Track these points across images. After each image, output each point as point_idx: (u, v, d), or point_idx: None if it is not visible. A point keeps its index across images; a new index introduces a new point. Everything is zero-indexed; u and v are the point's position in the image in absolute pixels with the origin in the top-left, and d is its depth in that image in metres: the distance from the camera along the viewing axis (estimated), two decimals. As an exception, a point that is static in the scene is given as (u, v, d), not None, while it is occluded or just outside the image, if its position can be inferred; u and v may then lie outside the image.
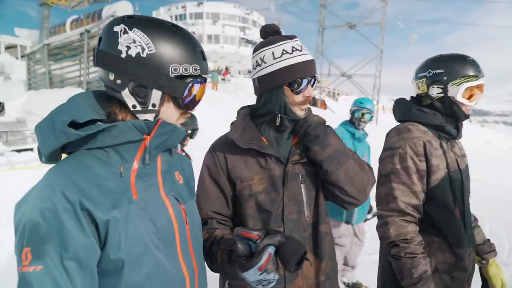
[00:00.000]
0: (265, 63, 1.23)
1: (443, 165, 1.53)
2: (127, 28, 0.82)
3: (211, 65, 36.92)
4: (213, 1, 49.48)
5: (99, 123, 0.83)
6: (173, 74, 0.84)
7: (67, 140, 0.79)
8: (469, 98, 1.55)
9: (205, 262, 1.19)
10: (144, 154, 0.87)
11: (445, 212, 1.51)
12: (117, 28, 0.83)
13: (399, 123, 1.67)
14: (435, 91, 1.58)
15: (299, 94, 1.22)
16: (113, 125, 0.81)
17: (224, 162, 1.28)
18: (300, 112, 1.25)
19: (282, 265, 0.97)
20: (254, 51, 1.28)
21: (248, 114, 1.34)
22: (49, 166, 0.85)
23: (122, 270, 0.79)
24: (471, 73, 1.53)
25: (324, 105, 26.61)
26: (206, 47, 45.85)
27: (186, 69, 0.85)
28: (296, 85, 1.21)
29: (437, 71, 1.58)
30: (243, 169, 1.25)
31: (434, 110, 1.59)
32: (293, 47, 1.22)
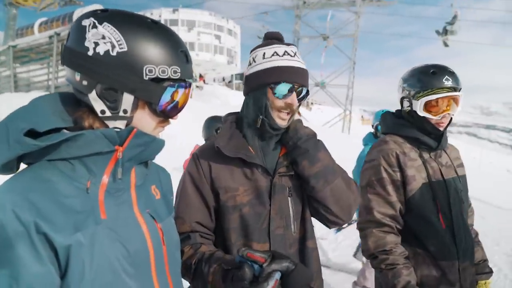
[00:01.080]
0: (255, 62, 1.21)
1: (420, 175, 1.52)
2: (96, 22, 0.71)
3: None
4: (188, 8, 49.30)
5: (64, 131, 0.72)
6: (147, 77, 0.73)
7: (23, 151, 0.68)
8: (431, 111, 1.52)
9: (186, 279, 1.12)
10: (116, 168, 0.76)
11: (426, 223, 1.49)
12: (85, 22, 0.72)
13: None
14: (405, 105, 1.61)
15: (280, 99, 1.17)
16: (79, 133, 0.70)
17: (208, 171, 1.21)
18: (279, 120, 1.18)
19: None
20: (250, 52, 1.26)
21: (235, 121, 1.29)
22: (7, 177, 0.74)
23: None
24: (431, 86, 1.50)
25: (298, 113, 26.85)
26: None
27: (163, 71, 0.74)
28: (277, 88, 1.16)
29: (404, 85, 1.61)
30: (228, 179, 1.19)
31: (413, 122, 1.61)
32: (285, 51, 1.19)
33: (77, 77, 0.73)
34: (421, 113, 1.53)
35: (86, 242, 0.69)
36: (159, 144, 0.82)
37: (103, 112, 0.75)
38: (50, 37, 13.08)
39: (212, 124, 3.12)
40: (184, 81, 0.80)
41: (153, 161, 0.95)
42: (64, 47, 0.74)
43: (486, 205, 7.09)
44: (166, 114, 0.81)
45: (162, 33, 0.76)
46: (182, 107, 0.83)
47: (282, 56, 1.18)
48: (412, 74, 1.60)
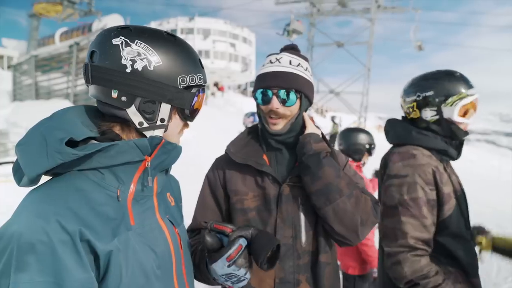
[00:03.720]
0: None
1: (451, 190, 1.42)
2: (128, 41, 0.75)
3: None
4: (204, 17, 50.08)
5: (94, 141, 0.76)
6: (181, 86, 0.80)
7: (63, 160, 0.69)
8: (465, 115, 1.47)
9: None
10: (144, 176, 0.80)
11: (460, 241, 1.40)
12: (116, 41, 0.75)
13: (393, 146, 1.57)
14: (429, 114, 1.48)
15: (263, 105, 1.22)
16: (113, 144, 0.73)
17: (222, 174, 1.28)
18: (270, 126, 1.22)
19: (254, 261, 0.95)
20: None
21: (255, 131, 1.33)
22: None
23: None
24: (462, 89, 1.43)
25: (312, 120, 26.78)
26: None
27: (192, 79, 0.81)
28: (256, 96, 1.22)
29: (427, 93, 1.47)
30: (239, 183, 1.24)
31: (434, 132, 1.48)
32: (277, 58, 1.22)
33: (114, 94, 0.76)
34: (458, 118, 1.44)
35: (122, 248, 0.73)
36: (178, 151, 0.86)
37: (141, 124, 0.79)
38: (70, 46, 13.49)
39: (348, 134, 3.07)
40: (203, 86, 0.87)
41: (175, 169, 0.99)
42: (92, 67, 0.76)
43: (505, 214, 6.88)
44: (191, 118, 0.87)
45: (184, 45, 0.83)
46: (200, 109, 0.89)
47: (272, 63, 1.22)
48: (435, 80, 1.47)
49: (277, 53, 1.25)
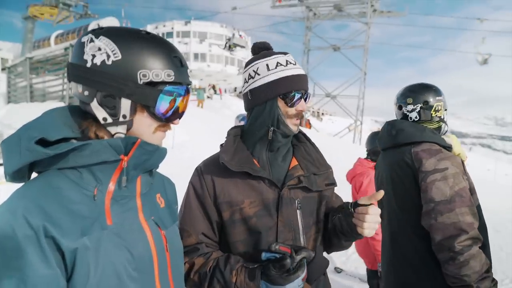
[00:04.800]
0: (258, 75, 1.20)
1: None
2: (93, 37, 0.77)
3: (197, 83, 36.92)
4: (200, 21, 50.13)
5: (73, 141, 0.77)
6: (142, 81, 0.76)
7: (33, 158, 0.71)
8: None
9: None
10: (121, 176, 0.79)
11: (485, 234, 1.43)
12: (84, 39, 0.78)
13: (402, 145, 1.61)
14: (443, 116, 1.69)
15: (292, 107, 1.19)
16: (86, 143, 0.74)
17: (211, 186, 1.20)
18: (293, 127, 1.21)
19: (308, 279, 1.05)
20: (246, 65, 1.26)
21: (239, 135, 1.29)
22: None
23: None
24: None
25: (308, 125, 26.89)
26: (193, 65, 46.05)
27: (157, 75, 0.77)
28: (290, 97, 1.18)
29: (444, 98, 1.70)
30: (232, 193, 1.18)
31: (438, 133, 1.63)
32: (287, 60, 1.20)
33: (80, 89, 0.78)
34: (447, 125, 1.69)
35: (92, 246, 0.72)
36: (162, 153, 0.85)
37: (105, 119, 0.78)
38: (66, 48, 13.43)
39: (376, 137, 3.17)
40: (179, 84, 0.82)
41: (162, 170, 0.97)
42: (68, 64, 0.80)
43: (501, 218, 6.91)
44: (167, 119, 0.83)
45: (154, 41, 0.80)
46: (183, 112, 0.86)
47: (286, 65, 1.20)
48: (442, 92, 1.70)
49: (285, 54, 1.24)
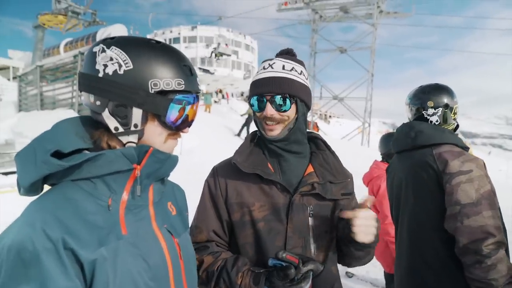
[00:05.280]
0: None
1: None
2: (105, 47, 0.78)
3: (203, 88, 37.18)
4: (206, 25, 50.49)
5: (86, 151, 0.78)
6: (153, 90, 0.77)
7: (49, 171, 0.72)
8: None
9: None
10: (135, 185, 0.80)
11: (506, 237, 1.40)
12: (96, 49, 0.79)
13: (431, 147, 1.57)
14: (457, 116, 1.73)
15: (258, 112, 1.20)
16: (99, 154, 0.75)
17: (224, 187, 1.22)
18: (267, 132, 1.20)
19: None
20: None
21: (256, 139, 1.30)
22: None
23: None
24: None
25: (316, 128, 26.81)
26: (200, 70, 46.38)
27: (167, 84, 0.78)
28: (251, 103, 1.21)
29: (455, 99, 1.70)
30: (244, 195, 1.19)
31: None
32: (270, 64, 1.20)
33: (91, 99, 0.79)
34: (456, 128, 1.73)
35: (109, 257, 0.72)
36: (174, 161, 0.86)
37: (116, 129, 0.79)
38: (75, 56, 13.61)
39: (389, 140, 3.18)
40: (188, 92, 0.83)
41: (172, 176, 0.98)
42: (79, 74, 0.81)
43: (515, 219, 6.78)
44: (177, 127, 0.84)
45: (164, 50, 0.81)
46: (192, 120, 0.87)
47: (265, 69, 1.20)
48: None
49: (271, 59, 1.23)
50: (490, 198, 1.38)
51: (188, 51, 46.89)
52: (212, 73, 32.44)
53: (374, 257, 1.34)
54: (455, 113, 1.68)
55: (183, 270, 0.89)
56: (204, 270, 1.15)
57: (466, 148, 1.57)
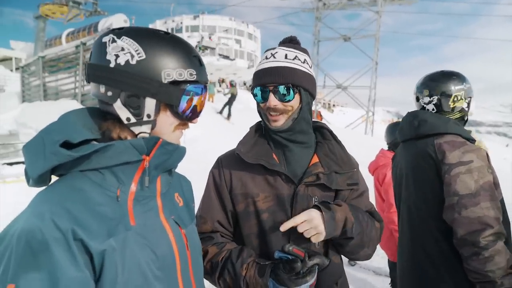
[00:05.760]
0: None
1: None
2: (115, 37, 0.77)
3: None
4: (209, 14, 50.03)
5: (94, 142, 0.77)
6: (166, 80, 0.78)
7: (58, 162, 0.71)
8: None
9: (209, 279, 1.16)
10: (143, 176, 0.80)
11: (508, 229, 1.39)
12: (105, 39, 0.78)
13: (433, 137, 1.54)
14: (465, 105, 1.62)
15: (261, 103, 1.19)
16: (109, 144, 0.74)
17: (229, 177, 1.22)
18: (271, 123, 1.18)
19: (317, 284, 1.03)
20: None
21: (261, 129, 1.28)
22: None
23: None
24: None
25: (320, 117, 26.72)
26: (202, 59, 46.03)
27: (180, 74, 0.79)
28: (254, 93, 1.19)
29: (467, 85, 1.63)
30: (249, 185, 1.19)
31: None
32: (272, 54, 1.18)
33: (102, 89, 0.78)
34: (471, 114, 1.64)
35: (118, 247, 0.72)
36: (181, 152, 0.86)
37: (128, 119, 0.79)
38: (77, 46, 13.56)
39: (395, 129, 3.15)
40: (198, 82, 0.83)
41: (181, 167, 0.98)
42: (87, 65, 0.79)
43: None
44: (187, 117, 0.84)
45: (174, 41, 0.81)
46: (201, 110, 0.87)
47: (267, 59, 1.18)
48: (466, 79, 1.64)
49: (273, 48, 1.21)
50: (490, 190, 1.36)
51: (190, 40, 46.57)
52: (233, 59, 32.17)
53: (378, 245, 1.32)
54: (455, 101, 1.61)
55: (190, 260, 0.89)
56: (208, 261, 1.15)
57: (471, 140, 1.52)
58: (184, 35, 46.69)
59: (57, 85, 14.86)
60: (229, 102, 14.46)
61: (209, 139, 10.26)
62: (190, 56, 0.82)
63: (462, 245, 1.36)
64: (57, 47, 19.33)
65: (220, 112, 14.57)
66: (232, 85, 17.01)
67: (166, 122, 0.82)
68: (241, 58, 50.02)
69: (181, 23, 48.89)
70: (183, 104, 0.81)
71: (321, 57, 30.37)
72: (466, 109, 1.64)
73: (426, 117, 1.60)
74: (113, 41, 0.77)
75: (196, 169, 3.17)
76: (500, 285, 1.28)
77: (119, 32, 0.78)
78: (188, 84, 0.81)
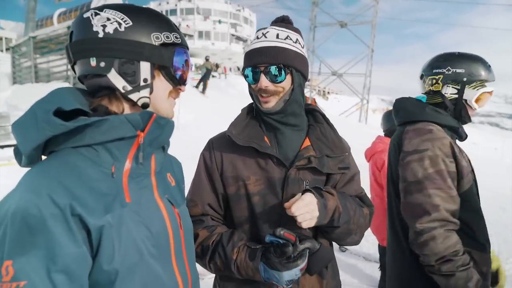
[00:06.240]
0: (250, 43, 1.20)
1: (468, 165, 1.45)
2: (97, 11, 0.78)
3: (201, 62, 36.56)
4: (204, -3, 49.12)
5: (86, 117, 0.74)
6: (156, 42, 0.79)
7: (52, 132, 0.69)
8: (478, 102, 1.52)
9: (199, 262, 1.16)
10: (138, 152, 0.80)
11: (479, 218, 1.41)
12: (87, 15, 0.78)
13: (403, 124, 1.56)
14: (449, 91, 1.51)
15: (252, 84, 1.16)
16: (104, 118, 0.73)
17: (220, 159, 1.21)
18: (262, 104, 1.16)
19: (309, 269, 1.05)
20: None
21: (252, 111, 1.26)
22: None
23: (115, 282, 0.71)
24: (488, 78, 1.49)
25: (314, 103, 26.72)
26: (197, 43, 45.52)
27: (167, 37, 0.81)
28: (245, 74, 1.17)
29: (458, 70, 1.49)
30: (239, 168, 1.18)
31: (445, 111, 1.52)
32: (263, 33, 1.15)
33: (93, 62, 0.77)
34: (473, 104, 1.50)
35: (114, 223, 0.72)
36: (171, 126, 0.86)
37: (125, 88, 0.78)
38: (69, 27, 13.26)
39: (391, 116, 3.13)
40: (183, 46, 0.86)
41: (169, 150, 0.97)
42: (71, 45, 0.78)
43: (507, 197, 6.90)
44: (180, 80, 0.85)
45: (152, 10, 0.84)
46: (187, 76, 0.89)
47: (259, 38, 1.15)
48: (469, 60, 1.50)
49: (265, 28, 1.18)
50: (440, 178, 1.36)
51: (185, 23, 45.82)
52: (245, 40, 31.76)
53: (369, 230, 1.33)
54: (430, 84, 1.55)
55: (183, 239, 0.90)
56: (199, 244, 1.15)
57: (454, 127, 1.50)
58: (178, 18, 45.90)
59: (49, 67, 14.61)
60: (204, 77, 15.26)
61: (202, 124, 10.22)
62: (170, 22, 0.85)
63: (408, 229, 1.42)
64: (48, 28, 18.91)
65: (196, 86, 15.27)
66: (206, 59, 17.77)
67: (161, 87, 0.83)
68: (237, 43, 49.43)
69: (176, 5, 47.98)
70: (175, 65, 0.83)
71: (317, 43, 30.13)
72: (453, 95, 1.52)
73: (405, 104, 1.60)
74: (96, 14, 0.78)
75: (189, 155, 3.16)
76: (437, 270, 1.32)
77: (99, 7, 0.79)
78: (176, 47, 0.83)
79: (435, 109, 1.51)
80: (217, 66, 31.59)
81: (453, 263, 1.30)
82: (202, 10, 47.88)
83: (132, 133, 0.77)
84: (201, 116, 10.82)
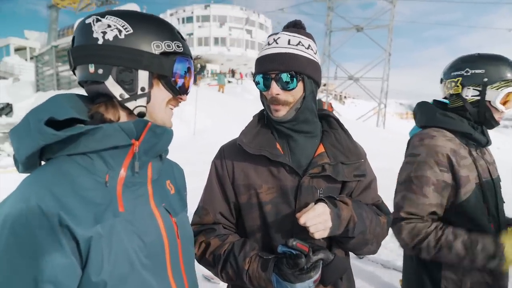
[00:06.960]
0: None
1: (473, 175, 1.39)
2: (99, 17, 0.77)
3: (217, 68, 36.92)
4: (220, 4, 49.76)
5: (82, 125, 0.75)
6: (156, 51, 0.78)
7: (44, 142, 0.69)
8: (505, 103, 1.44)
9: (211, 270, 1.14)
10: (133, 161, 0.78)
11: (476, 227, 1.36)
12: (89, 20, 0.77)
13: (421, 129, 1.54)
14: (470, 93, 1.44)
15: (264, 91, 1.14)
16: (97, 127, 0.72)
17: (231, 168, 1.18)
18: (274, 113, 1.13)
19: (323, 280, 1.01)
20: None
21: (264, 118, 1.23)
22: None
23: None
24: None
25: (331, 108, 26.51)
26: (213, 49, 46.03)
27: (168, 46, 0.79)
28: (256, 81, 1.14)
29: (477, 71, 1.42)
30: (251, 176, 1.15)
31: (462, 115, 1.47)
32: (274, 39, 1.12)
33: (91, 69, 0.76)
34: (498, 105, 1.42)
35: (105, 234, 0.71)
36: (170, 135, 0.85)
37: (122, 95, 0.77)
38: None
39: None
40: (186, 55, 0.84)
41: (184, 156, 0.97)
42: (72, 50, 0.78)
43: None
44: (180, 90, 0.84)
45: (156, 17, 0.83)
46: (189, 87, 0.87)
47: (269, 45, 1.12)
48: (488, 60, 1.44)
49: (276, 33, 1.15)
50: (416, 183, 1.40)
51: (201, 30, 46.44)
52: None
53: (388, 237, 1.31)
54: (448, 88, 1.50)
55: (180, 249, 0.88)
56: (210, 253, 1.13)
57: (467, 134, 1.44)
58: (195, 25, 46.57)
59: (70, 75, 15.05)
60: (198, 73, 15.70)
61: (218, 130, 10.29)
62: (174, 30, 0.83)
63: None
64: (69, 37, 19.48)
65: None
66: (197, 57, 18.19)
67: (159, 96, 0.82)
68: (252, 49, 49.71)
69: (192, 12, 48.68)
70: (175, 75, 0.82)
71: (333, 47, 30.00)
72: (475, 97, 1.44)
73: (421, 109, 1.60)
74: (98, 20, 0.77)
75: (205, 160, 3.18)
76: (423, 256, 1.39)
77: (101, 13, 0.79)
78: (177, 56, 0.82)
79: (446, 114, 1.47)
80: (233, 72, 31.80)
81: (425, 248, 1.35)
82: (218, 17, 48.43)
83: (126, 142, 0.75)
84: (217, 121, 10.90)
